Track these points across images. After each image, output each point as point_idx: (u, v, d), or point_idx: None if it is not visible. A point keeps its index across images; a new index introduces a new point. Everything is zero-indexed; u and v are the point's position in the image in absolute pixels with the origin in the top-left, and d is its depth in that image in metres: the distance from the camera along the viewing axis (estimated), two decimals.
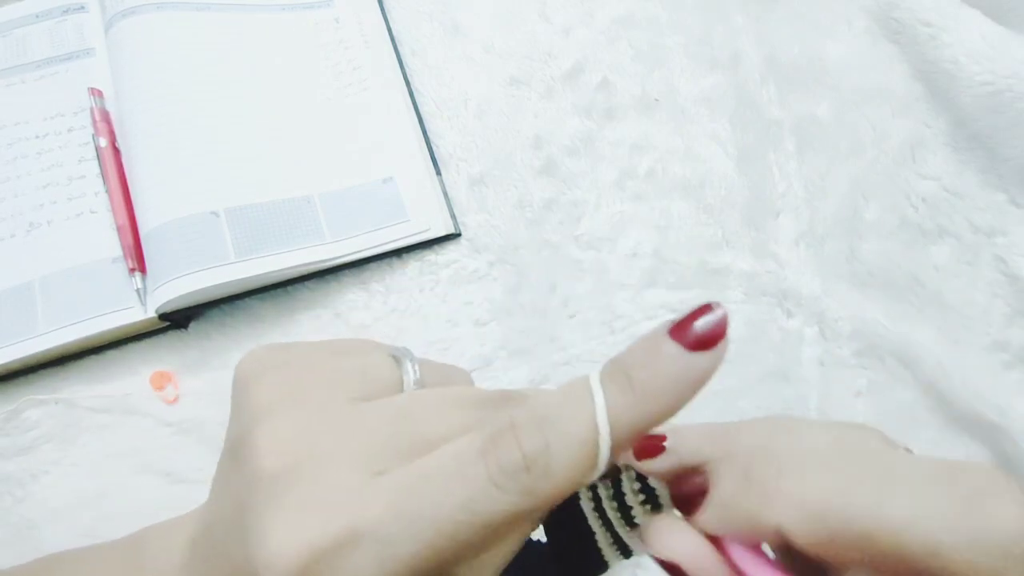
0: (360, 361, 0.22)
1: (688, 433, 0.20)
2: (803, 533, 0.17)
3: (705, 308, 0.18)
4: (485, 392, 0.21)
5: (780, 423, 0.20)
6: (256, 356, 0.22)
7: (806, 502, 0.17)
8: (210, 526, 0.20)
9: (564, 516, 0.22)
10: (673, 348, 0.18)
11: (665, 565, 0.19)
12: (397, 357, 0.23)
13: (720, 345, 0.18)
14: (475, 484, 0.17)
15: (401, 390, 0.22)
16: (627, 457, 0.21)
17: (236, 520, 0.18)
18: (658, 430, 0.21)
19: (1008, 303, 0.47)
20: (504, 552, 0.19)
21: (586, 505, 0.22)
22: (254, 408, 0.20)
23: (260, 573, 0.17)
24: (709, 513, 0.19)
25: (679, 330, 0.18)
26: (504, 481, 0.17)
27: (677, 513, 0.20)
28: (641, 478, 0.21)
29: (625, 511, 0.21)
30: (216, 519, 0.20)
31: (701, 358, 0.18)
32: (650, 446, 0.20)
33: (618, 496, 0.21)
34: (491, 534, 0.18)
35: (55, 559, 0.24)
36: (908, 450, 0.19)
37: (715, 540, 0.19)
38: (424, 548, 0.17)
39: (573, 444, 0.18)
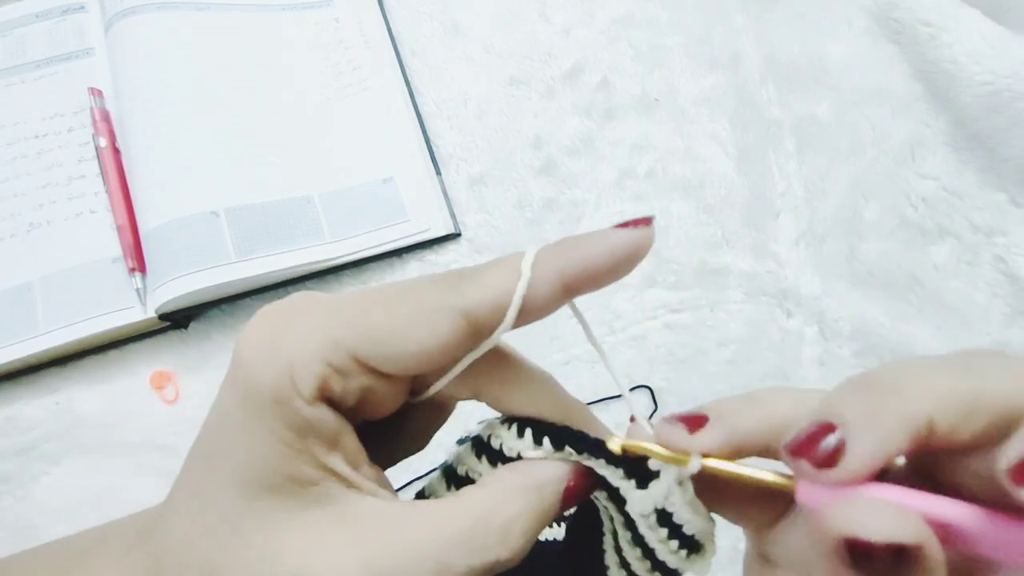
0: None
1: (728, 403, 0.19)
2: (952, 422, 0.15)
3: (632, 222, 0.18)
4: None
5: (807, 392, 0.19)
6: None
7: (957, 390, 0.15)
8: None
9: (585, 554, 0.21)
10: (608, 230, 0.18)
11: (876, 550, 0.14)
12: None
13: (647, 229, 0.18)
14: (432, 313, 0.17)
15: None
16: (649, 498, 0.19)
17: None
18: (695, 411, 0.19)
19: (1008, 303, 0.47)
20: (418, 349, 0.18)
21: (611, 559, 0.20)
22: None
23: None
24: (858, 453, 0.15)
25: (618, 228, 0.18)
26: (444, 283, 0.18)
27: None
28: (664, 517, 0.19)
29: (655, 561, 0.19)
30: None
31: (627, 233, 0.18)
32: (694, 419, 0.19)
33: (641, 544, 0.20)
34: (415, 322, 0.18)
35: (31, 554, 0.22)
36: None
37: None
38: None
39: (500, 271, 0.18)
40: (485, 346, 0.19)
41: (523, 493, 0.18)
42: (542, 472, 0.19)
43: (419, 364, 0.18)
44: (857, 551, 0.14)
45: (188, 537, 0.17)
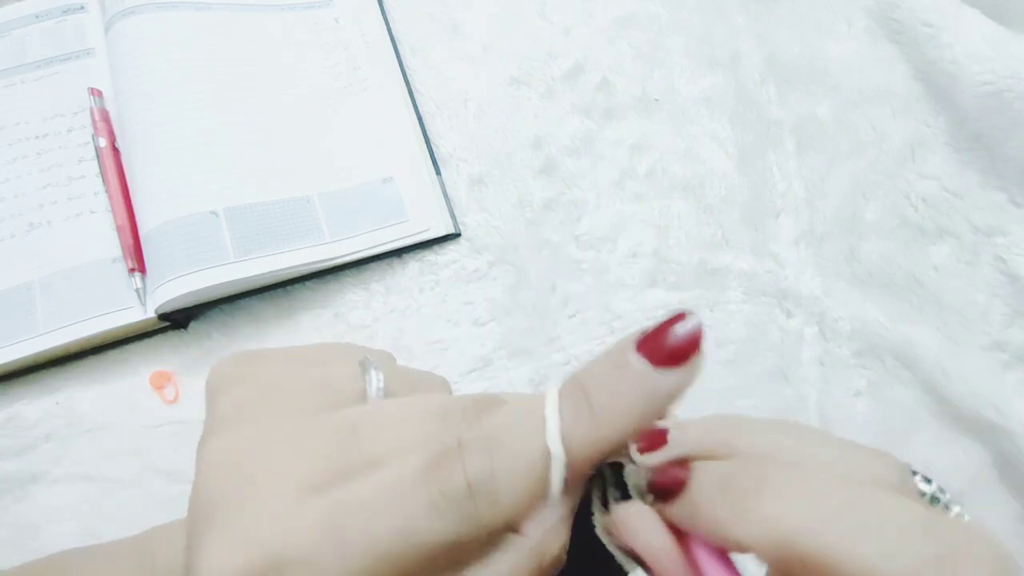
0: (325, 371, 0.21)
1: (691, 427, 0.19)
2: (767, 554, 0.16)
3: (677, 317, 0.17)
4: (453, 401, 0.20)
5: (791, 427, 0.18)
6: (223, 366, 0.21)
7: (777, 527, 0.16)
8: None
9: (578, 529, 0.21)
10: (639, 364, 0.17)
11: (627, 552, 0.18)
12: (363, 365, 0.21)
13: (693, 360, 0.17)
14: (414, 509, 0.16)
15: (366, 401, 0.21)
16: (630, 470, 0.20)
17: (188, 538, 0.18)
18: (662, 423, 0.19)
19: (1008, 303, 0.47)
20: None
21: (602, 532, 0.21)
22: (211, 422, 0.20)
23: None
24: (679, 508, 0.17)
25: (648, 343, 0.17)
26: (445, 507, 0.16)
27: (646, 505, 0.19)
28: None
29: None
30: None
31: (669, 376, 0.17)
32: (654, 439, 0.19)
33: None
34: (433, 561, 0.17)
35: (63, 559, 0.23)
36: (926, 483, 0.18)
37: (680, 534, 0.18)
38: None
39: (521, 470, 0.17)
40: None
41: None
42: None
43: None
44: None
45: None
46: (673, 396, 0.17)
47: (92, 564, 0.22)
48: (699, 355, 0.17)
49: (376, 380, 0.21)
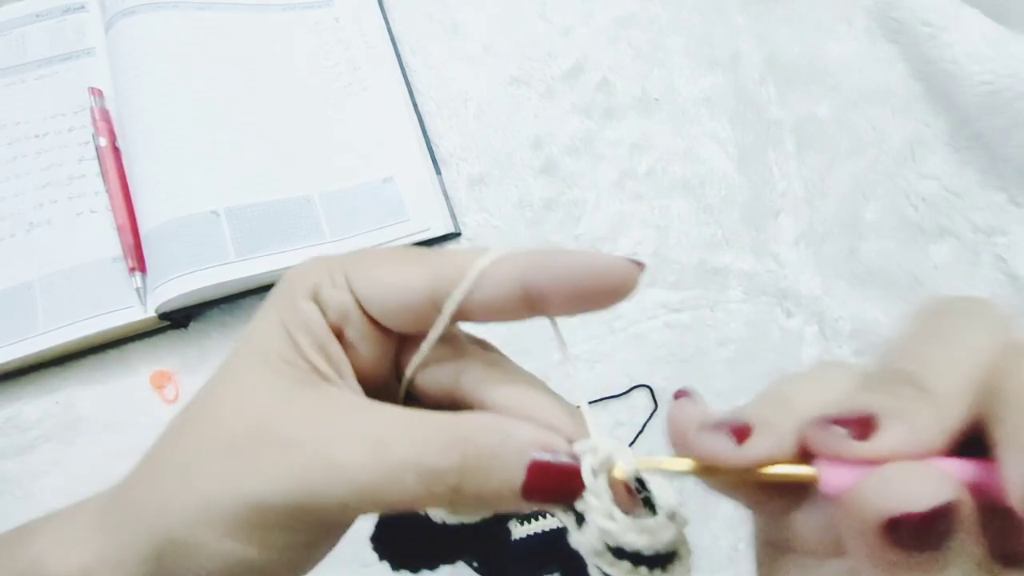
0: None
1: (760, 408, 0.17)
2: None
3: None
4: None
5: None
6: None
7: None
8: None
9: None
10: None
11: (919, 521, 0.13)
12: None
13: (630, 268, 0.20)
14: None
15: None
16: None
17: None
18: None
19: (1008, 303, 0.47)
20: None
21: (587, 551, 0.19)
22: None
23: None
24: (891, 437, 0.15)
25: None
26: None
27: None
28: (618, 551, 0.18)
29: None
30: None
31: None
32: (736, 428, 0.17)
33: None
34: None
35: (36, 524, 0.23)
36: None
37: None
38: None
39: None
40: (445, 313, 0.20)
41: (498, 432, 0.19)
42: (517, 431, 0.19)
43: (394, 301, 0.20)
44: (899, 525, 0.13)
45: (238, 404, 0.19)
46: (608, 278, 0.20)
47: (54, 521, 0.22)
48: (637, 270, 0.20)
49: None
